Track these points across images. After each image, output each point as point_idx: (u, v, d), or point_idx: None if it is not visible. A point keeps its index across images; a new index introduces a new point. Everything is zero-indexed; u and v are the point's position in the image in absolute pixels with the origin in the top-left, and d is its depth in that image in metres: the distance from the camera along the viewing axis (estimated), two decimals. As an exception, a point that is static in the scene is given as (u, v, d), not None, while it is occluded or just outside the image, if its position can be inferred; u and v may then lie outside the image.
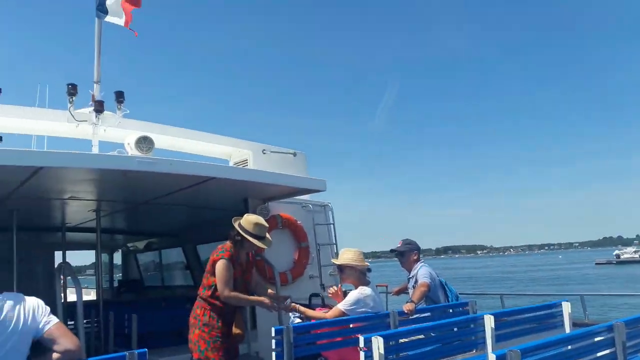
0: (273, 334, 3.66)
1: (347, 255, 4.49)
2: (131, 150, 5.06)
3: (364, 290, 4.37)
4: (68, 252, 9.92)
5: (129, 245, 12.27)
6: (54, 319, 2.76)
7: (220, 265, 4.18)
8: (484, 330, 4.00)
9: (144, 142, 5.05)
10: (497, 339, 3.96)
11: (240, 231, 4.31)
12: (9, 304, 2.64)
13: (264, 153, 7.42)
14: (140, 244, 11.80)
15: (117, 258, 13.23)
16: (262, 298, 4.32)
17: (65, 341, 2.71)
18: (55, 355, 2.68)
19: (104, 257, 12.18)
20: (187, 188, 5.63)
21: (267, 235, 4.46)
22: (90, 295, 12.52)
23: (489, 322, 3.93)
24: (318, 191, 6.34)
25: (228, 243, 4.36)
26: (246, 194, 6.27)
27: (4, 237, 6.74)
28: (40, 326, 2.70)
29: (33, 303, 2.76)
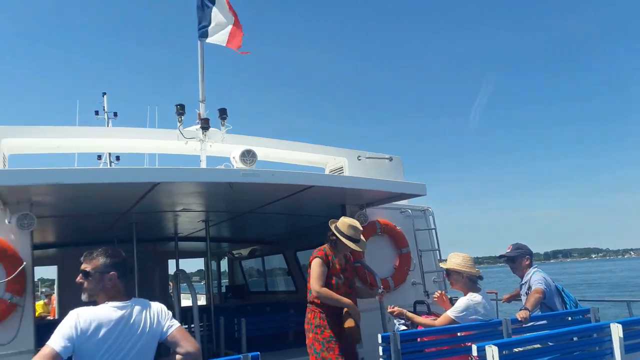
0: (380, 341, 3.63)
1: (454, 260, 4.34)
2: (236, 164, 5.33)
3: (473, 297, 4.18)
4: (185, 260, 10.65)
5: (234, 252, 12.86)
6: (176, 323, 2.96)
7: (312, 263, 4.41)
8: (610, 340, 3.68)
9: (248, 155, 5.31)
10: (627, 349, 3.61)
11: (335, 232, 4.45)
12: (137, 308, 2.87)
13: (359, 159, 7.41)
14: (244, 251, 12.30)
15: (223, 265, 13.95)
16: (351, 302, 4.36)
17: (187, 344, 2.89)
18: (177, 357, 2.86)
19: (212, 264, 12.88)
20: (288, 197, 5.79)
21: (362, 238, 4.54)
22: (199, 300, 13.29)
23: (617, 331, 3.59)
24: (417, 196, 6.21)
25: (326, 244, 4.55)
26: (344, 200, 6.31)
27: (125, 248, 7.37)
28: (164, 329, 2.90)
29: (157, 308, 2.98)
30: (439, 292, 4.67)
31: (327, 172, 7.58)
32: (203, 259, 13.25)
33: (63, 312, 10.62)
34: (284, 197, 5.82)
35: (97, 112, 16.27)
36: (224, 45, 6.46)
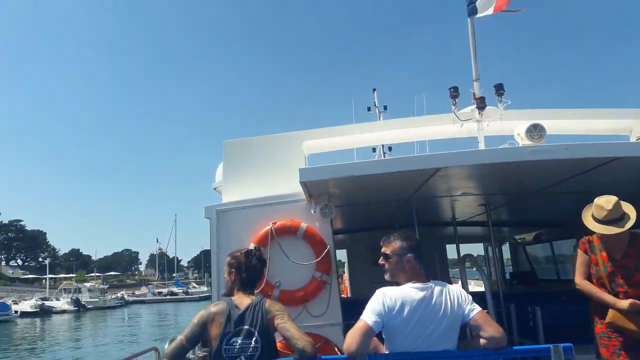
0: None
1: None
2: (522, 141, 4.94)
3: None
4: (450, 245, 10.60)
5: (516, 237, 12.18)
6: (477, 307, 2.89)
7: (575, 254, 4.06)
8: None
9: (535, 130, 4.86)
10: None
11: (583, 218, 3.97)
12: (437, 290, 2.91)
13: None
14: (529, 236, 11.52)
15: (503, 250, 13.33)
16: (617, 301, 3.69)
17: (491, 329, 2.79)
18: (482, 341, 2.79)
19: (491, 249, 12.47)
20: (584, 173, 5.10)
21: (629, 213, 3.80)
22: (480, 286, 13.04)
23: None
24: None
25: None
26: (661, 172, 5.19)
27: None
28: (465, 312, 2.86)
29: (456, 290, 2.96)
30: None
31: (633, 139, 6.38)
32: (482, 244, 12.93)
33: (354, 290, 11.84)
34: (579, 173, 5.14)
35: (369, 108, 17.56)
36: (492, 13, 6.09)
